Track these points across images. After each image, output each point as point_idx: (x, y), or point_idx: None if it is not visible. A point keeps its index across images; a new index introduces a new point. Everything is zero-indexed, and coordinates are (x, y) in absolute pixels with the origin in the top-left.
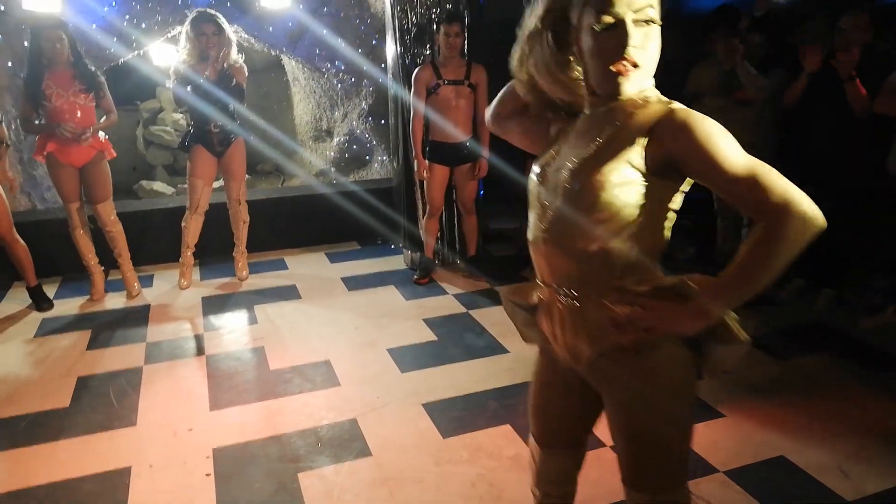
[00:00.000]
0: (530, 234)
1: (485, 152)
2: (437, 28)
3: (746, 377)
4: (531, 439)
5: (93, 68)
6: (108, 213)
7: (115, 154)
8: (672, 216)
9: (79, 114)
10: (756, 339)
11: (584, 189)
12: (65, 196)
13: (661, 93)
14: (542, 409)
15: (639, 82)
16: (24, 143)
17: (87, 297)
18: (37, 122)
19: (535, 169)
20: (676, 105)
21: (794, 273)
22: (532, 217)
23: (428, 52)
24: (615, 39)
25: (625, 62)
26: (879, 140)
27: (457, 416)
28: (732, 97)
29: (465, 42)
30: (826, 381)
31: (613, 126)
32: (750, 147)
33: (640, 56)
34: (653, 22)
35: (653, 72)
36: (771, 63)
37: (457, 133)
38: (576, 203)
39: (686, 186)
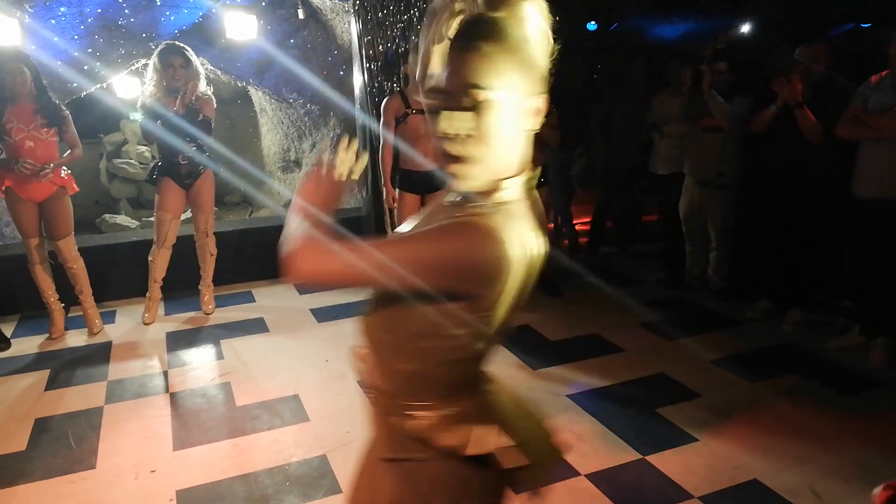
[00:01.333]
0: None
1: None
2: (405, 58)
3: (719, 400)
4: None
5: (57, 102)
6: (70, 249)
7: (77, 189)
8: (465, 345)
9: (39, 149)
10: (724, 361)
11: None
12: (24, 232)
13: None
14: None
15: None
16: None
17: (46, 335)
18: None
19: None
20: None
21: (760, 294)
22: None
23: (395, 82)
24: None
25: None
26: (843, 164)
27: None
28: (698, 124)
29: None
30: (796, 402)
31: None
32: (717, 176)
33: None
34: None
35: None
36: (734, 91)
37: (426, 161)
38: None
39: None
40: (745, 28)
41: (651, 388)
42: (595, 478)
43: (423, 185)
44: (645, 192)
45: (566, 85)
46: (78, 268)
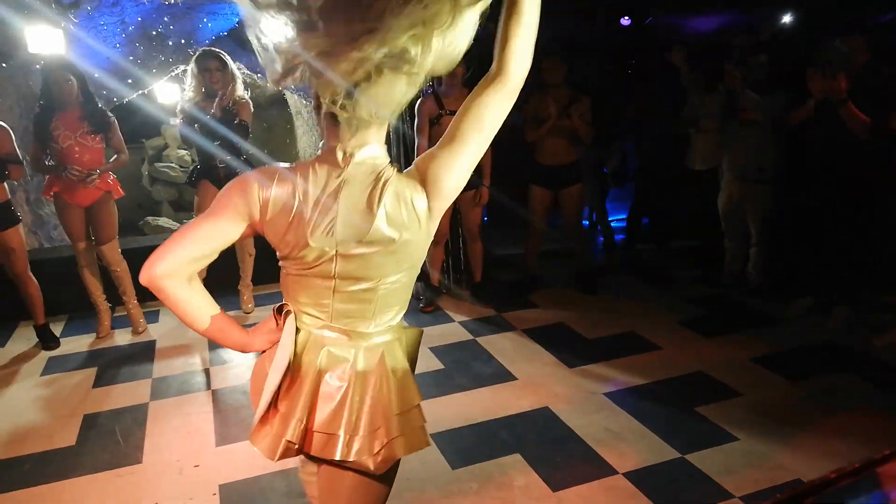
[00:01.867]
0: None
1: (486, 180)
2: None
3: (760, 398)
4: None
5: (103, 108)
6: (114, 253)
7: (122, 193)
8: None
9: (86, 156)
10: (764, 359)
11: None
12: (72, 236)
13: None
14: None
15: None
16: (31, 183)
17: (94, 334)
18: (46, 163)
19: None
20: None
21: (802, 290)
22: None
23: (429, 83)
24: None
25: None
26: (888, 157)
27: (465, 446)
28: (739, 118)
29: (468, 72)
30: (840, 401)
31: None
32: (756, 170)
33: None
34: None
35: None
36: (774, 85)
37: None
38: None
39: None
40: (787, 19)
41: (689, 386)
42: (633, 476)
43: None
44: (682, 187)
45: (599, 81)
46: (122, 270)
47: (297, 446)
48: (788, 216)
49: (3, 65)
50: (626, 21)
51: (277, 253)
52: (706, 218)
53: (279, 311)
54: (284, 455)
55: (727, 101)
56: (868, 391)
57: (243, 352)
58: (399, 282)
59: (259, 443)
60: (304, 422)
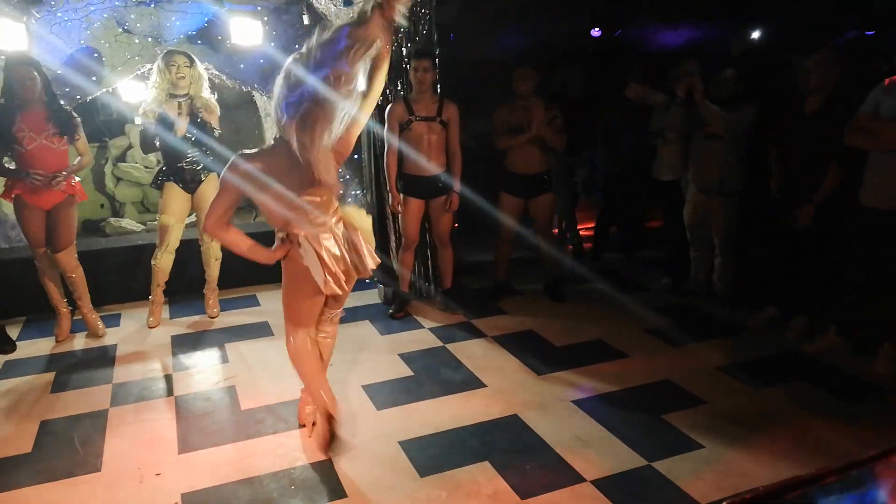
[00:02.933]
0: None
1: (456, 186)
2: (408, 64)
3: (724, 407)
4: None
5: (68, 108)
6: (70, 259)
7: (86, 196)
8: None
9: (51, 158)
10: (730, 368)
11: None
12: (32, 240)
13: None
14: None
15: None
16: None
17: (52, 338)
18: (8, 165)
19: None
20: None
21: (766, 301)
22: None
23: (399, 88)
24: None
25: None
26: (852, 172)
27: (434, 453)
28: (703, 131)
29: (436, 78)
30: (803, 409)
31: None
32: (719, 183)
33: None
34: None
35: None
36: (740, 99)
37: (430, 167)
38: None
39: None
40: (758, 35)
41: (657, 394)
42: (601, 484)
43: (426, 190)
44: (649, 198)
45: (569, 91)
46: (77, 276)
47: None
48: (752, 227)
49: None
50: (596, 32)
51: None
52: (673, 228)
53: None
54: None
55: (689, 114)
56: (826, 399)
57: (270, 262)
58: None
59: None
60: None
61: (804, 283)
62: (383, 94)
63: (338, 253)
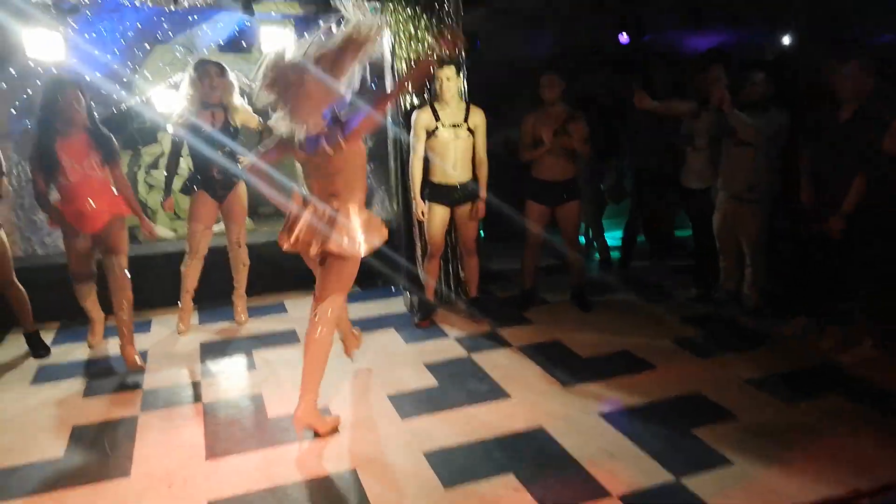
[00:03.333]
0: None
1: (482, 193)
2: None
3: (754, 420)
4: None
5: (110, 134)
6: (123, 265)
7: (129, 211)
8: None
9: (96, 188)
10: (760, 381)
11: None
12: (76, 273)
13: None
14: None
15: None
16: (26, 188)
17: (85, 343)
18: (50, 198)
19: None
20: None
21: (798, 310)
22: None
23: (426, 95)
24: None
25: None
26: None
27: (459, 464)
28: (733, 138)
29: (463, 85)
30: (834, 423)
31: None
32: (749, 189)
33: None
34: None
35: None
36: (770, 104)
37: (455, 174)
38: None
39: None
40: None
41: (685, 407)
42: (627, 499)
43: (452, 197)
44: (677, 205)
45: (597, 97)
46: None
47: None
48: (783, 236)
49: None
50: (624, 38)
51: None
52: (701, 236)
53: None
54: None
55: (720, 120)
56: (861, 414)
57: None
58: None
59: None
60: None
61: (837, 292)
62: (411, 101)
63: (310, 220)
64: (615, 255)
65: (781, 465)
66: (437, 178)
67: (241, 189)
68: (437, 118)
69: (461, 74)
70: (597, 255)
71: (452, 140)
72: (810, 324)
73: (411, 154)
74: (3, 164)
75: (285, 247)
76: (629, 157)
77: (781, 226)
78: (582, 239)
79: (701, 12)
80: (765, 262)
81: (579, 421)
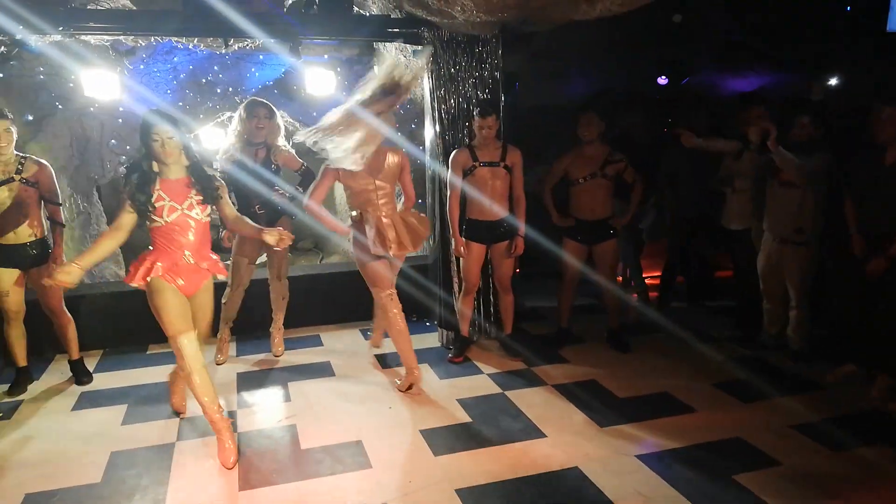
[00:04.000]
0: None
1: (521, 230)
2: (473, 115)
3: (799, 468)
4: None
5: (211, 173)
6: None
7: (226, 273)
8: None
9: (194, 234)
10: (805, 427)
11: None
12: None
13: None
14: None
15: None
16: (78, 219)
17: (127, 370)
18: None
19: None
20: None
21: (845, 357)
22: None
23: (464, 135)
24: None
25: None
26: None
27: (491, 502)
28: (777, 178)
29: (500, 128)
30: (883, 474)
31: None
32: (796, 232)
33: None
34: None
35: None
36: (816, 146)
37: (493, 211)
38: None
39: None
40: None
41: (726, 452)
42: None
43: (489, 235)
44: (717, 246)
45: (636, 138)
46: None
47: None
48: (830, 279)
49: (60, 107)
50: (663, 80)
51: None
52: (743, 277)
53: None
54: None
55: (763, 160)
56: None
57: (345, 234)
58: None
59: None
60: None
61: (886, 338)
62: (451, 140)
63: (388, 223)
64: (654, 294)
65: None
66: (475, 215)
67: (285, 223)
68: (474, 157)
69: (498, 120)
70: (634, 294)
71: (490, 178)
72: (858, 371)
73: (449, 192)
74: (60, 194)
75: (393, 252)
76: (668, 197)
77: (827, 270)
78: (619, 278)
79: (739, 55)
80: (810, 305)
81: (615, 462)
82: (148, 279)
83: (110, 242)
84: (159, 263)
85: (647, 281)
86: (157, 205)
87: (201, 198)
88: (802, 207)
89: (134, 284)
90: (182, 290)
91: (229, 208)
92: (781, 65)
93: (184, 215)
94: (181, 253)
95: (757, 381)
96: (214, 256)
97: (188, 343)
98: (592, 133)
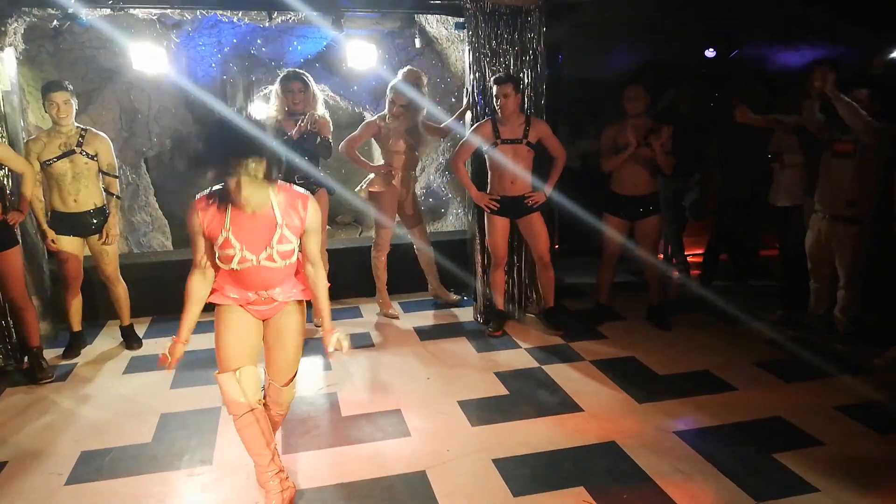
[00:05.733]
0: None
1: (547, 188)
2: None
3: (844, 450)
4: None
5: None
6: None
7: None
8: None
9: (274, 275)
10: (851, 409)
11: None
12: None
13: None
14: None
15: None
16: (126, 191)
17: (174, 336)
18: None
19: None
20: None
21: (893, 339)
22: None
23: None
24: None
25: None
26: None
27: (528, 474)
28: (832, 149)
29: (521, 101)
30: None
31: None
32: (848, 206)
33: None
34: None
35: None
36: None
37: (514, 188)
38: None
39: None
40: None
41: (767, 431)
42: None
43: (513, 210)
44: (763, 224)
45: (681, 112)
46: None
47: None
48: (879, 260)
49: (109, 80)
50: (711, 52)
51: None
52: (790, 256)
53: None
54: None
55: (822, 125)
56: None
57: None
58: None
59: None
60: None
61: None
62: (487, 113)
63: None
64: (696, 273)
65: (871, 497)
66: (496, 190)
67: (323, 197)
68: (496, 135)
69: (518, 92)
70: (676, 272)
71: (511, 155)
72: None
73: (455, 151)
74: (117, 168)
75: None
76: (716, 173)
77: (878, 249)
78: (661, 255)
79: (791, 27)
80: (860, 286)
81: (653, 438)
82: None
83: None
84: (231, 294)
85: (688, 259)
86: (223, 252)
87: (289, 241)
88: (856, 181)
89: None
90: (255, 315)
91: (314, 248)
92: (839, 37)
93: (259, 266)
94: (254, 291)
95: (801, 361)
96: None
97: (225, 383)
98: (639, 106)
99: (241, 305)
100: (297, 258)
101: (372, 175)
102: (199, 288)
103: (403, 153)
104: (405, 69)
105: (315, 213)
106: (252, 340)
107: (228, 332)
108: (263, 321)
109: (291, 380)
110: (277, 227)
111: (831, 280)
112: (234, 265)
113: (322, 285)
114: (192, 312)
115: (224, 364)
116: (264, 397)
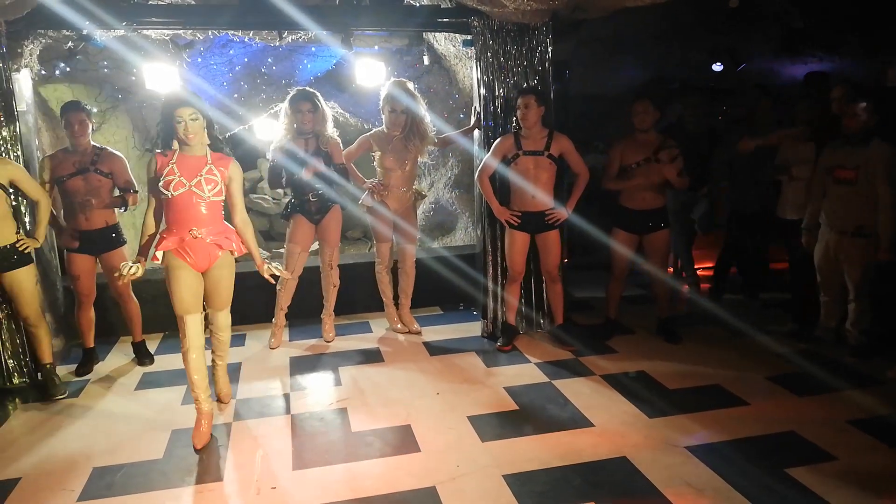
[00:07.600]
0: None
1: (570, 205)
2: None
3: (857, 465)
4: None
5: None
6: (225, 319)
7: (241, 250)
8: None
9: (200, 210)
10: (863, 423)
11: None
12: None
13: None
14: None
15: None
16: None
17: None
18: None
19: None
20: None
21: None
22: None
23: (513, 125)
24: None
25: None
26: None
27: (538, 490)
28: (833, 175)
29: (543, 114)
30: None
31: None
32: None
33: None
34: None
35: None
36: (871, 135)
37: (536, 202)
38: None
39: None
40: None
41: (779, 446)
42: None
43: (533, 224)
44: (773, 237)
45: (688, 125)
46: (225, 338)
47: None
48: (891, 271)
49: (122, 98)
50: (718, 66)
51: None
52: (799, 269)
53: None
54: None
55: (824, 153)
56: None
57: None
58: None
59: None
60: None
61: None
62: (500, 130)
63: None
64: (705, 286)
65: None
66: (517, 205)
67: (336, 213)
68: (518, 146)
69: (540, 104)
70: (685, 286)
71: (532, 168)
72: None
73: (480, 167)
74: (136, 183)
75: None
76: (725, 187)
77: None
78: (670, 269)
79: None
80: (870, 299)
81: (664, 453)
82: (158, 255)
83: (147, 219)
84: (169, 240)
85: (698, 272)
86: (167, 178)
87: (214, 177)
88: (865, 207)
89: (155, 263)
90: (194, 267)
91: (240, 203)
92: (842, 50)
93: (190, 192)
94: (188, 229)
95: (813, 374)
96: (230, 235)
97: (191, 323)
98: (647, 121)
99: (179, 251)
100: (222, 204)
101: None
102: (150, 224)
103: (395, 170)
104: (390, 80)
105: (236, 168)
106: (197, 290)
107: (178, 285)
108: (203, 274)
109: (225, 307)
110: (207, 164)
111: (841, 293)
112: (171, 190)
113: (249, 231)
114: (146, 239)
115: (184, 305)
116: (207, 329)
